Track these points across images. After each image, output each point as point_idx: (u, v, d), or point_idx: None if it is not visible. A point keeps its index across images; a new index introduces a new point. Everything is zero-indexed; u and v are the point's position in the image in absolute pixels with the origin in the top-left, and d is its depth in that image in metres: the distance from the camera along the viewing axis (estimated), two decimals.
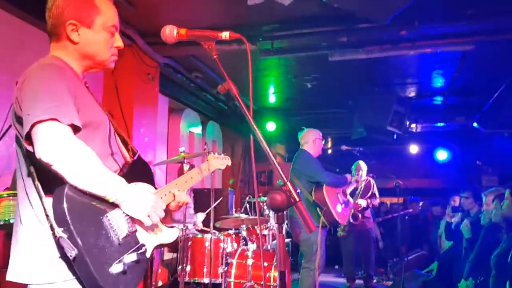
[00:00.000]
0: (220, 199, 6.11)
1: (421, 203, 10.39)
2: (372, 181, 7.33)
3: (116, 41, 1.93)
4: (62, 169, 1.58)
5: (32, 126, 1.57)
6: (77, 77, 1.85)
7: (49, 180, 1.64)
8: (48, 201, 1.64)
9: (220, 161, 2.67)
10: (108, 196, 1.67)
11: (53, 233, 1.59)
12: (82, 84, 1.86)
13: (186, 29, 1.78)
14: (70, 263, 1.59)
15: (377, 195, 7.38)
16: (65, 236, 1.55)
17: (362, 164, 7.37)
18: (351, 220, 6.83)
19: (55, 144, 1.56)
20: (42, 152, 1.55)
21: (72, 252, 1.54)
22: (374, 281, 8.32)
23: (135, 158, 2.03)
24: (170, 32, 1.79)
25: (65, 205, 1.57)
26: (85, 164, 1.61)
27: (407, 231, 8.90)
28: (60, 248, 1.58)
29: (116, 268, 1.64)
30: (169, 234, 1.99)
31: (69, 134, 1.61)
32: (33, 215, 1.69)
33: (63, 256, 1.60)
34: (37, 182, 1.67)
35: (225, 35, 1.75)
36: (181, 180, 2.18)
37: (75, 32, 1.81)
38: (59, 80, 1.67)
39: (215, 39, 1.78)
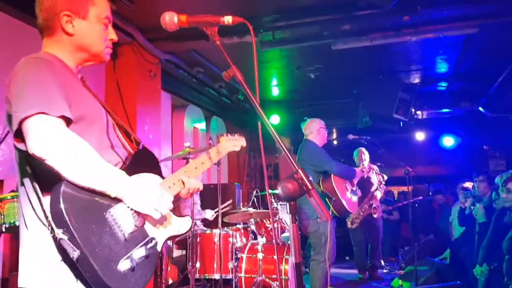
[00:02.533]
0: (230, 201, 6.07)
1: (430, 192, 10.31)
2: (375, 167, 7.27)
3: (110, 33, 1.88)
4: (56, 163, 1.49)
5: (21, 122, 1.50)
6: (70, 71, 1.79)
7: (47, 178, 1.57)
8: (47, 201, 1.56)
9: (233, 143, 2.49)
10: (108, 190, 1.59)
11: (53, 235, 1.52)
12: (76, 78, 1.81)
13: (186, 15, 1.72)
14: (74, 265, 1.51)
15: (384, 178, 7.31)
16: (65, 237, 1.48)
17: (364, 150, 7.32)
18: (374, 215, 6.86)
19: (46, 137, 1.48)
20: (34, 146, 1.48)
21: (74, 254, 1.47)
22: (385, 270, 8.29)
23: (140, 148, 1.96)
24: (170, 19, 1.73)
25: (62, 204, 1.49)
26: (80, 157, 1.53)
27: (418, 219, 8.86)
28: (62, 250, 1.51)
29: (123, 265, 1.57)
30: (181, 225, 1.91)
31: (60, 126, 1.54)
32: (35, 217, 1.62)
33: (67, 258, 1.53)
34: (34, 182, 1.61)
35: (227, 19, 1.69)
36: (191, 166, 2.07)
37: (70, 24, 1.76)
38: (46, 73, 1.61)
39: (217, 24, 1.72)
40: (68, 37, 1.78)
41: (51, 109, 1.52)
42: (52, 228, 1.51)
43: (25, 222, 1.65)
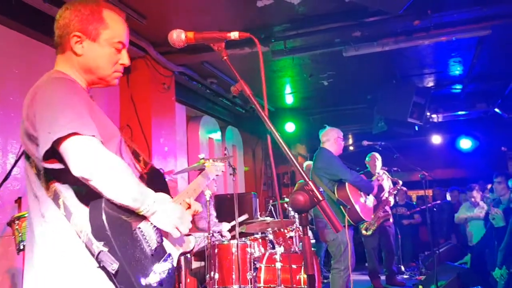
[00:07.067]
0: (246, 216, 6.03)
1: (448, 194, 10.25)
2: (386, 174, 7.23)
3: (122, 58, 1.88)
4: (101, 183, 1.55)
5: (58, 142, 1.53)
6: (85, 91, 1.82)
7: (79, 196, 1.64)
8: (81, 217, 1.61)
9: (217, 167, 2.67)
10: (141, 208, 1.65)
11: (88, 249, 1.58)
12: (90, 97, 1.83)
13: (194, 32, 1.75)
14: (109, 276, 1.58)
15: (399, 183, 7.25)
16: (105, 249, 1.55)
17: (377, 155, 7.28)
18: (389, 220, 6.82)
19: (92, 159, 1.53)
20: (79, 169, 1.52)
21: (113, 266, 1.54)
22: (406, 276, 8.20)
23: (148, 168, 2.01)
24: (177, 36, 1.76)
25: (104, 219, 1.57)
26: (122, 177, 1.60)
27: (437, 223, 8.78)
28: (99, 262, 1.57)
29: (152, 278, 1.65)
30: (187, 242, 1.99)
31: (100, 146, 1.58)
32: (51, 235, 1.64)
33: (103, 269, 1.59)
34: (62, 200, 1.63)
35: (234, 35, 1.71)
36: (191, 188, 2.19)
37: (79, 44, 1.78)
38: (72, 93, 1.64)
39: (224, 39, 1.74)
40: (77, 57, 1.80)
41: (84, 128, 1.55)
42: (89, 242, 1.57)
43: (35, 240, 1.67)
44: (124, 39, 1.88)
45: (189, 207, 2.00)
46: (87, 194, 1.60)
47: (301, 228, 5.81)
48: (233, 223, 5.54)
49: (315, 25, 5.68)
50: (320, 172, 5.35)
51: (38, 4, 4.43)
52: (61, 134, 1.51)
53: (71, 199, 1.64)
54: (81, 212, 1.62)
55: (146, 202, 1.66)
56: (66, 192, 1.65)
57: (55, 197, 1.64)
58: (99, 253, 1.54)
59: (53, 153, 1.56)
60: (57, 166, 1.60)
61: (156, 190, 1.84)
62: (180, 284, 5.31)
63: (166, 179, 2.13)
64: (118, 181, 1.58)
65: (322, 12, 5.43)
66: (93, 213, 1.59)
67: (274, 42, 5.96)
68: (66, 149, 1.53)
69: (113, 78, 1.90)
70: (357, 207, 5.10)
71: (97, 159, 1.54)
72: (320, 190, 1.48)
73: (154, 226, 1.73)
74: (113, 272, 1.54)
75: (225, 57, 1.75)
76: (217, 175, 2.67)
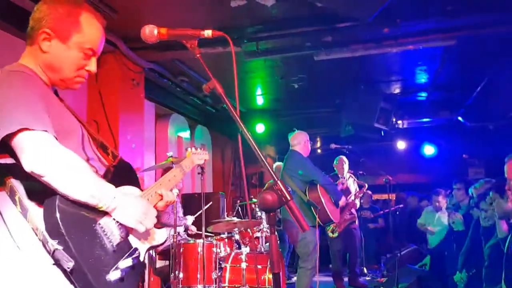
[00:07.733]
0: (210, 203, 6.04)
1: (409, 198, 10.52)
2: (352, 177, 7.37)
3: (90, 64, 1.85)
4: (54, 179, 1.52)
5: (10, 137, 1.50)
6: (46, 85, 1.79)
7: (34, 193, 1.59)
8: (37, 213, 1.58)
9: (199, 156, 2.62)
10: (100, 204, 1.63)
11: (44, 246, 1.54)
12: (51, 92, 1.81)
13: (166, 28, 1.73)
14: (67, 275, 1.55)
15: (365, 186, 7.37)
16: (60, 248, 1.52)
17: (345, 158, 7.41)
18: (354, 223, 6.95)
19: (44, 155, 1.50)
20: (31, 164, 1.50)
21: (69, 264, 1.51)
22: (368, 278, 8.33)
23: (117, 161, 1.98)
24: (150, 32, 1.73)
25: (58, 216, 1.53)
26: (76, 173, 1.57)
27: (399, 227, 8.96)
28: (55, 260, 1.54)
29: (113, 275, 1.62)
30: (158, 235, 1.96)
31: (52, 142, 1.55)
32: (8, 233, 1.60)
33: (60, 268, 1.56)
34: (18, 197, 1.60)
35: (207, 33, 1.71)
36: (165, 179, 2.15)
37: (47, 42, 1.76)
38: (28, 88, 1.62)
39: (197, 37, 1.73)
40: (42, 53, 1.77)
41: (36, 123, 1.52)
42: (44, 240, 1.54)
43: (1, 235, 1.62)
44: (96, 47, 1.85)
45: (161, 198, 1.99)
46: (42, 190, 1.56)
47: (268, 228, 5.88)
48: (197, 214, 5.53)
49: (287, 28, 5.73)
50: (291, 173, 5.47)
51: (21, 2, 4.35)
52: (11, 130, 1.49)
53: (27, 196, 1.61)
54: (37, 209, 1.59)
55: (105, 198, 1.64)
56: (22, 189, 1.61)
57: (12, 194, 1.61)
58: (54, 251, 1.52)
59: (5, 148, 1.54)
60: (10, 161, 1.57)
61: (124, 184, 1.83)
62: (144, 283, 5.28)
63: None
64: (71, 177, 1.56)
65: (295, 15, 5.48)
66: (47, 210, 1.56)
67: (246, 43, 5.98)
68: (16, 144, 1.51)
69: (74, 82, 1.87)
70: (326, 208, 5.23)
71: (48, 154, 1.51)
72: (289, 190, 1.50)
73: (117, 222, 1.71)
74: (69, 270, 1.52)
75: (198, 55, 1.74)
76: (198, 165, 2.63)
